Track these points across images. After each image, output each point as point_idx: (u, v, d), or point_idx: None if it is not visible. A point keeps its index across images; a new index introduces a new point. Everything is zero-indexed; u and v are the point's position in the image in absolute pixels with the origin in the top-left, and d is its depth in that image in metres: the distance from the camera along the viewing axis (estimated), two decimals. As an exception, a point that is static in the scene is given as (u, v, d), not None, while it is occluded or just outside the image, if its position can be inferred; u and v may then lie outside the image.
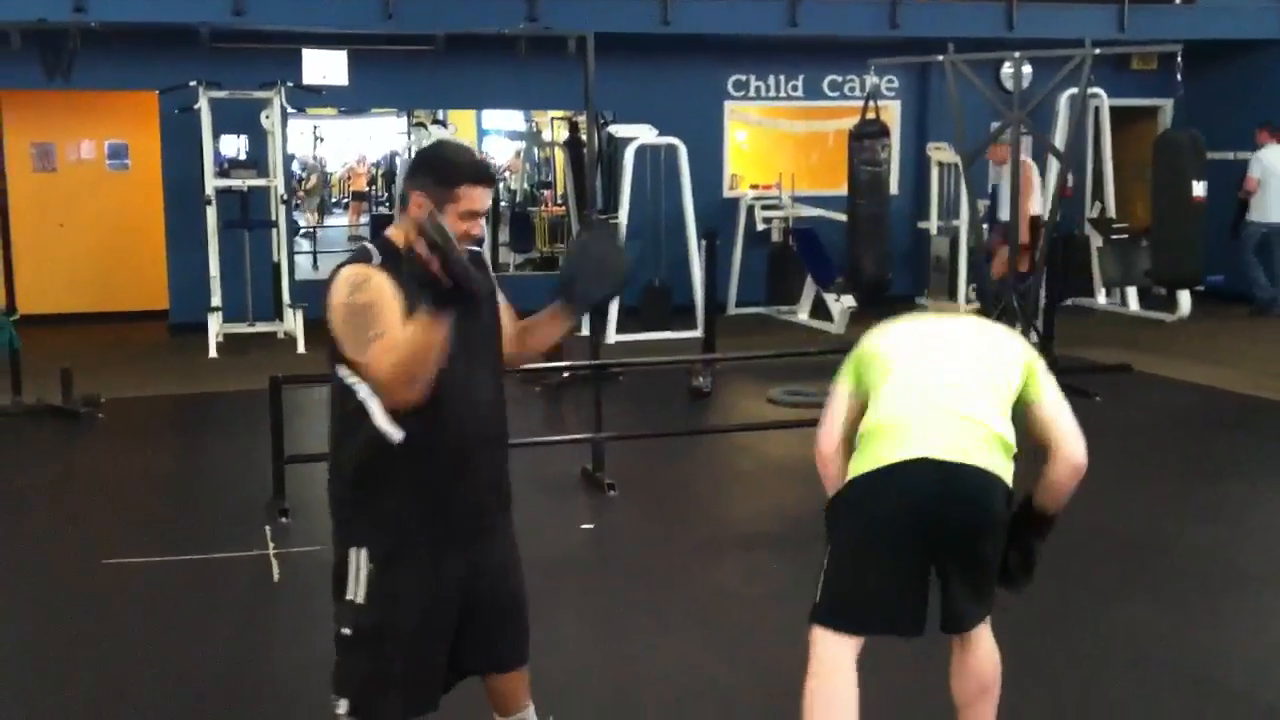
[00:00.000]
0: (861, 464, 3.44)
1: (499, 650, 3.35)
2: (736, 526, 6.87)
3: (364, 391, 3.04)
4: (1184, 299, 12.51)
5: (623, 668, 4.82)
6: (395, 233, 3.13)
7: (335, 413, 3.16)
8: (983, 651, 3.58)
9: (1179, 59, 9.88)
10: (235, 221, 12.02)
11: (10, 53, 9.38)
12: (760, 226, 13.78)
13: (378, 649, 3.11)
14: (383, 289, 2.95)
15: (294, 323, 11.72)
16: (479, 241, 3.21)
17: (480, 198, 3.10)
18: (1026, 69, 11.08)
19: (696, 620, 5.34)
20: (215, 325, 11.54)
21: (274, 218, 12.12)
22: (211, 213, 11.60)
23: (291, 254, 12.49)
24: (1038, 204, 10.79)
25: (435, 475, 3.11)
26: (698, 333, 11.13)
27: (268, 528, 6.40)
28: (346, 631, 3.14)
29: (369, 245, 3.12)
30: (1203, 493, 7.24)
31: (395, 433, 3.04)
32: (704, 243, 10.92)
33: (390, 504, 3.10)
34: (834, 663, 3.40)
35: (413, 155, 3.30)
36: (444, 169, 3.10)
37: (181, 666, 4.85)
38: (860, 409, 3.53)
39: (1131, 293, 13.48)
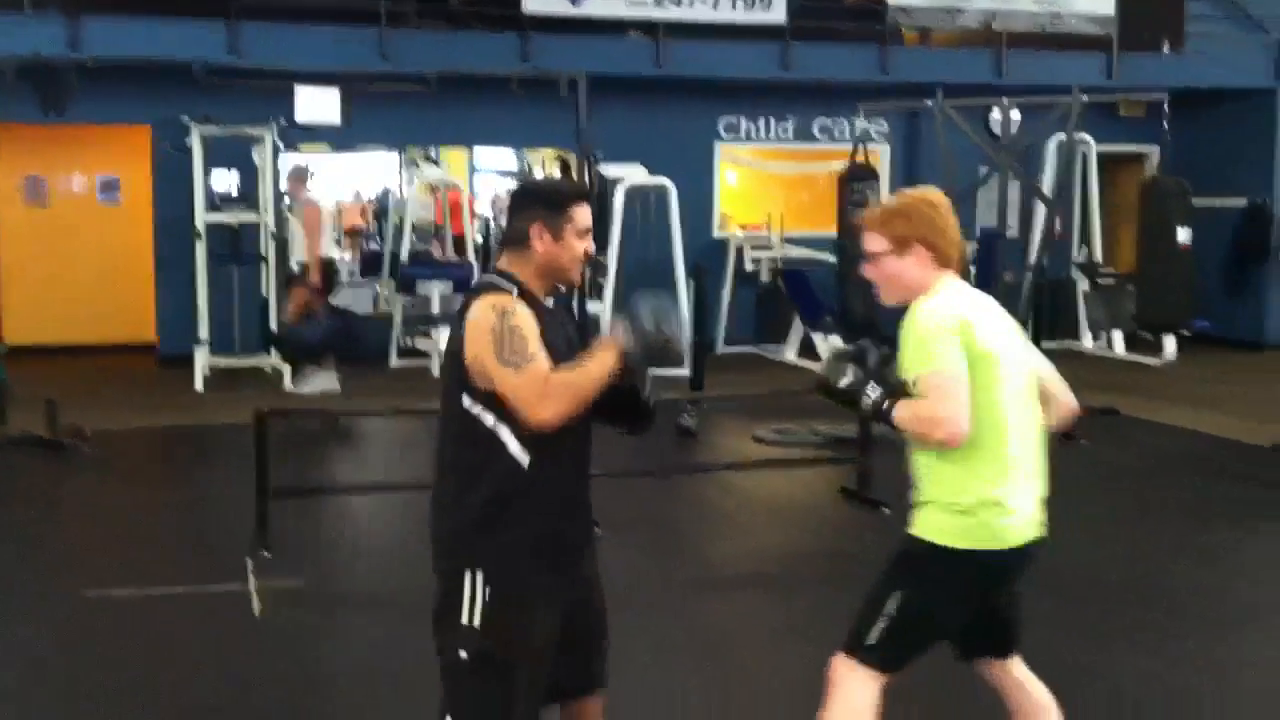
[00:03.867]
0: (983, 523, 3.29)
1: (590, 671, 3.43)
2: (724, 566, 6.86)
3: (492, 419, 3.15)
4: (1170, 343, 12.56)
5: (613, 706, 4.79)
6: (511, 266, 3.26)
7: (455, 442, 3.23)
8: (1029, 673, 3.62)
9: (1166, 106, 9.97)
10: (225, 256, 12.04)
11: (5, 87, 9.45)
12: (749, 266, 13.84)
13: (500, 672, 3.16)
14: (527, 317, 3.12)
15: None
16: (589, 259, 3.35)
17: (588, 215, 3.27)
18: (1015, 115, 11.14)
19: (687, 659, 5.33)
20: (202, 359, 11.54)
21: (264, 253, 12.13)
22: (201, 247, 11.62)
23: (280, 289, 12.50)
24: (328, 246, 10.93)
25: (555, 501, 3.24)
26: (685, 371, 11.15)
27: (250, 562, 6.37)
28: (464, 655, 3.17)
29: (495, 278, 3.25)
30: (1189, 536, 7.25)
31: (524, 457, 3.16)
32: (693, 282, 10.96)
33: (515, 528, 3.18)
34: (874, 703, 3.36)
35: (514, 194, 3.46)
36: (552, 196, 3.31)
37: (161, 699, 4.82)
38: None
39: (1118, 336, 13.53)
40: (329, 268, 11.00)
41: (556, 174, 15.46)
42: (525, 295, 3.20)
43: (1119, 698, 4.87)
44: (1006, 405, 3.29)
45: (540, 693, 3.25)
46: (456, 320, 3.22)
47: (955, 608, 3.37)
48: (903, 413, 3.26)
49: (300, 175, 11.47)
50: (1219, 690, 5.02)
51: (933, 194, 3.50)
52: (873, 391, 3.33)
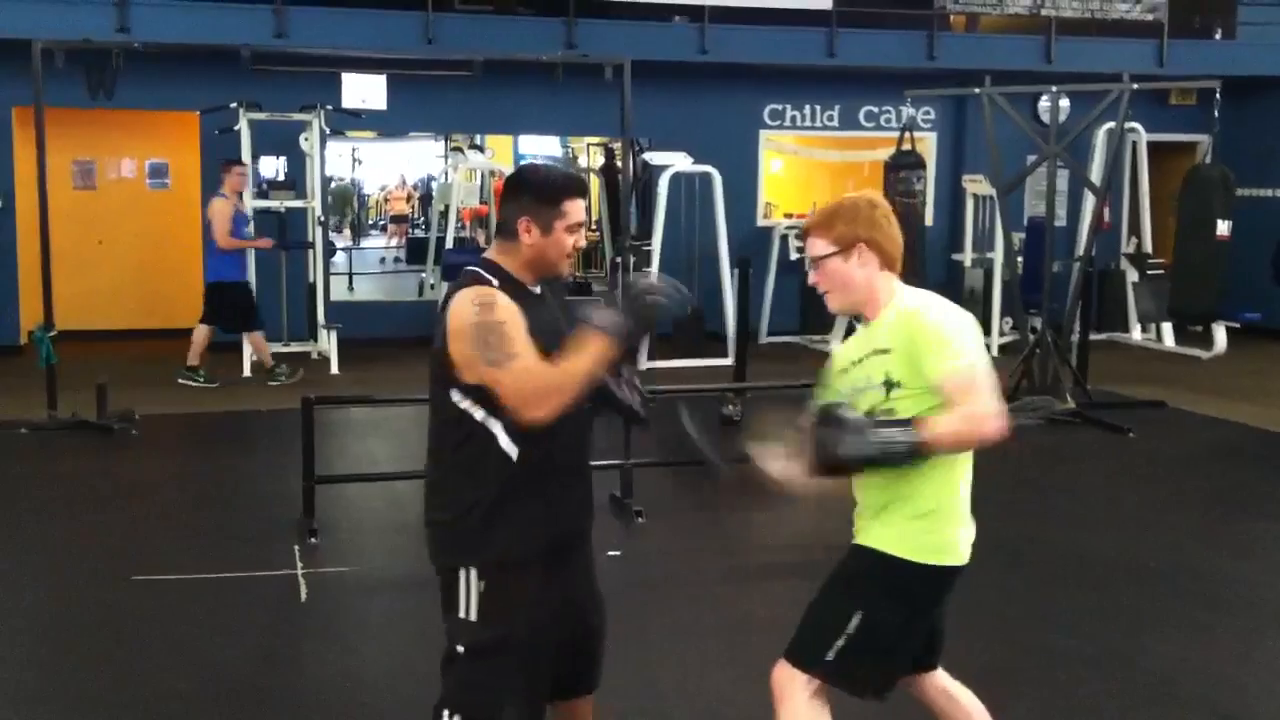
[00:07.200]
0: (947, 537, 3.23)
1: (584, 672, 3.39)
2: (763, 554, 6.85)
3: (482, 413, 3.09)
4: (1219, 335, 12.41)
5: (647, 693, 4.81)
6: (499, 255, 3.18)
7: (444, 437, 3.18)
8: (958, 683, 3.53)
9: (1218, 94, 9.84)
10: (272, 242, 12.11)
11: (54, 71, 9.51)
12: (794, 255, 13.76)
13: (495, 665, 3.13)
14: (511, 310, 3.03)
15: (328, 343, 11.78)
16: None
17: (582, 209, 3.18)
18: (1064, 102, 11.04)
19: (722, 647, 5.33)
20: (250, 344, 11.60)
21: (310, 239, 12.20)
22: (250, 232, 11.68)
23: (327, 275, 12.57)
24: None
25: (547, 493, 3.16)
26: (729, 361, 11.13)
27: (296, 547, 6.42)
28: (460, 649, 3.15)
29: (478, 270, 3.15)
30: (1233, 528, 7.19)
31: (513, 449, 3.09)
32: (737, 271, 10.93)
33: (506, 522, 3.12)
34: (824, 710, 3.33)
35: (507, 181, 3.35)
36: (545, 188, 3.17)
37: (207, 683, 4.87)
38: None
39: (1167, 328, 13.38)
40: None
41: (600, 160, 15.47)
42: (511, 285, 3.11)
43: (1162, 682, 4.84)
44: None
45: (544, 686, 3.22)
46: (439, 314, 3.14)
47: (914, 627, 3.28)
48: (941, 430, 3.03)
49: None
50: (1258, 681, 4.97)
51: (874, 194, 3.37)
52: (901, 435, 3.05)
